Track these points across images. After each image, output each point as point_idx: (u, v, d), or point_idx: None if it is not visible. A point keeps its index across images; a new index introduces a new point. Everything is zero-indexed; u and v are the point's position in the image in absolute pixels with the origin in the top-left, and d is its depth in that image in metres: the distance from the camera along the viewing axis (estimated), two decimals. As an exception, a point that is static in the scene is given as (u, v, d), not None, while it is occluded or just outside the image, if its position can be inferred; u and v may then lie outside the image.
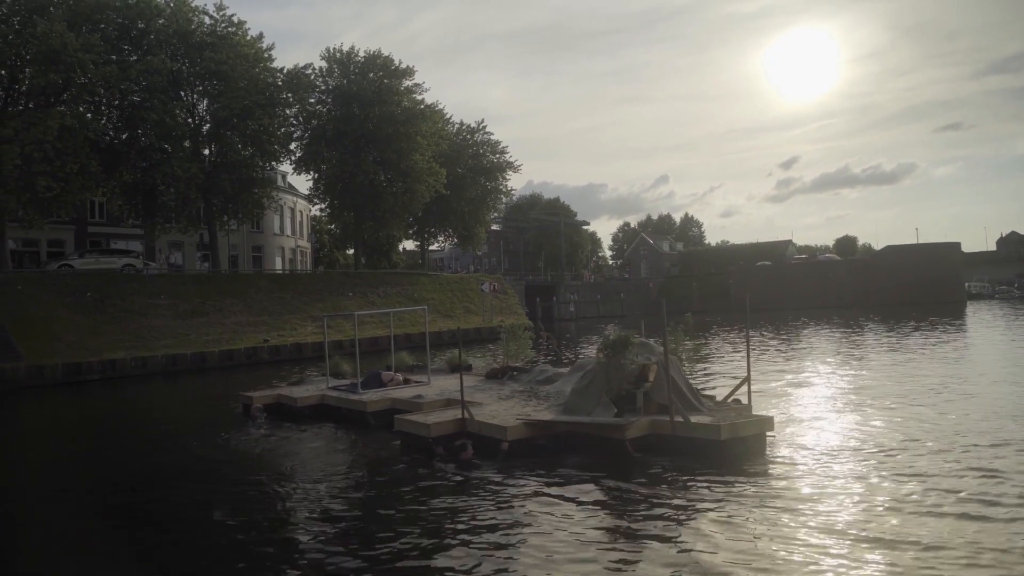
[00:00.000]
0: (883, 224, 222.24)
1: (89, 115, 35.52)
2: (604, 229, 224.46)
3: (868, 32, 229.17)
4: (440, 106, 53.85)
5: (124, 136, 37.48)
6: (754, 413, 11.26)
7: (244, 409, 16.71)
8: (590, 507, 8.55)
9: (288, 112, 45.17)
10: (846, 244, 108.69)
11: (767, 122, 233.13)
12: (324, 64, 48.20)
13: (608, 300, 79.86)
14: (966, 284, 75.99)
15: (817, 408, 14.63)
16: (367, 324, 38.69)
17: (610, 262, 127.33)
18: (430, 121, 50.33)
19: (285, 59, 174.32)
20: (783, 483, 9.22)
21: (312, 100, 47.44)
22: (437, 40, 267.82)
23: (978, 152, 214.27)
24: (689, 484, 9.23)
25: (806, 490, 8.89)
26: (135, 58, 36.33)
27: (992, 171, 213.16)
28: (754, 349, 28.34)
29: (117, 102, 36.41)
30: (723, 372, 21.64)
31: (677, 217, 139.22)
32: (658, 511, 8.22)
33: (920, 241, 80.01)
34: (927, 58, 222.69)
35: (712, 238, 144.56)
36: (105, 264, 37.78)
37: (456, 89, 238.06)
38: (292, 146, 47.10)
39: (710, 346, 32.08)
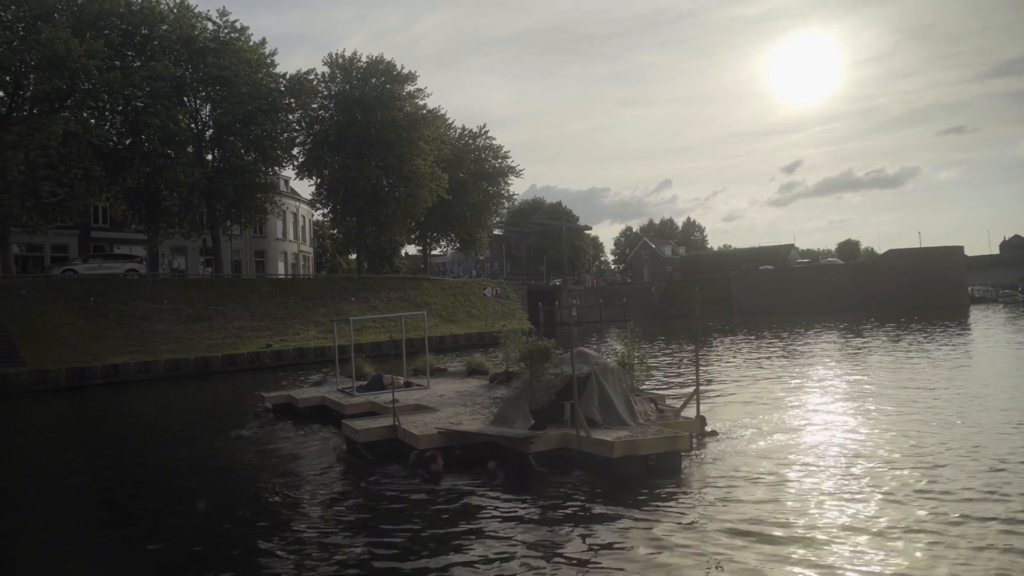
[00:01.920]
0: (886, 228, 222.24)
1: (93, 121, 35.67)
2: (606, 233, 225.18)
3: (872, 35, 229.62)
4: (442, 111, 54.10)
5: (128, 141, 37.62)
6: (675, 430, 10.64)
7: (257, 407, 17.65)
8: (447, 517, 8.61)
9: (291, 117, 45.32)
10: (849, 248, 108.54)
11: (770, 126, 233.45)
12: (327, 69, 48.45)
13: (610, 304, 79.90)
14: (969, 288, 75.93)
15: (773, 425, 13.19)
16: (369, 329, 38.81)
17: (612, 266, 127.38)
18: (432, 126, 50.47)
19: (288, 64, 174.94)
20: (649, 510, 8.45)
21: (315, 105, 47.60)
22: (440, 44, 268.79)
23: (981, 155, 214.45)
24: (556, 502, 8.88)
25: (667, 521, 8.00)
26: (138, 64, 36.49)
27: (996, 174, 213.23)
28: (744, 356, 28.45)
29: (121, 108, 36.56)
30: (711, 380, 21.64)
31: (679, 221, 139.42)
32: (511, 525, 8.17)
33: (923, 245, 79.96)
34: (930, 61, 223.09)
35: (714, 242, 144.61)
36: (109, 269, 37.89)
37: (458, 93, 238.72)
38: (295, 151, 47.29)
39: (690, 353, 32.08)
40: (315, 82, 46.78)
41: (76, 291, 33.28)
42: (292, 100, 44.26)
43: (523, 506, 8.91)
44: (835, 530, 7.49)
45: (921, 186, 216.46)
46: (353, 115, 47.01)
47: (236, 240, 51.75)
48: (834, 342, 33.21)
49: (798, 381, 19.71)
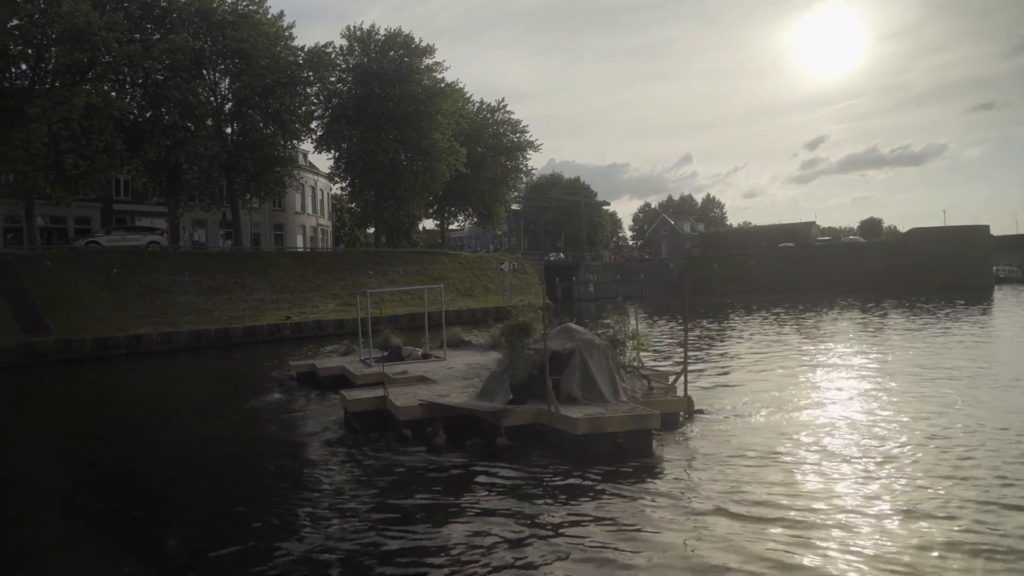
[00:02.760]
0: (910, 206, 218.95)
1: (114, 94, 35.95)
2: (625, 209, 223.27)
3: (898, 9, 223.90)
4: (460, 84, 53.82)
5: (148, 115, 37.88)
6: (649, 408, 10.43)
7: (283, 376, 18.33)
8: (404, 489, 8.76)
9: (309, 91, 45.33)
10: (871, 226, 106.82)
11: (794, 101, 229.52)
12: (345, 43, 48.26)
13: (628, 281, 79.58)
14: (994, 268, 74.60)
15: (770, 405, 12.79)
16: (387, 302, 39.10)
17: (630, 242, 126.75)
18: (450, 100, 50.23)
19: (306, 37, 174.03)
20: (598, 487, 8.34)
21: (333, 79, 47.55)
22: (458, 16, 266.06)
23: (1011, 132, 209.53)
24: (518, 477, 8.88)
25: (622, 500, 7.87)
26: (158, 37, 36.60)
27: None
28: (756, 334, 28.28)
29: (141, 80, 36.76)
30: (718, 358, 21.57)
31: (699, 198, 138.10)
32: (466, 497, 8.22)
33: (947, 224, 78.62)
34: (959, 35, 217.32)
35: (734, 219, 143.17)
36: (131, 241, 38.40)
37: (477, 66, 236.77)
38: (313, 125, 47.39)
39: (708, 330, 31.98)
40: (333, 55, 46.69)
41: (99, 263, 33.78)
42: (310, 73, 44.23)
43: (478, 480, 8.84)
44: (801, 512, 7.26)
45: (947, 164, 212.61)
46: (371, 88, 46.86)
47: (255, 213, 52.11)
48: (851, 321, 32.84)
49: (808, 361, 19.18)
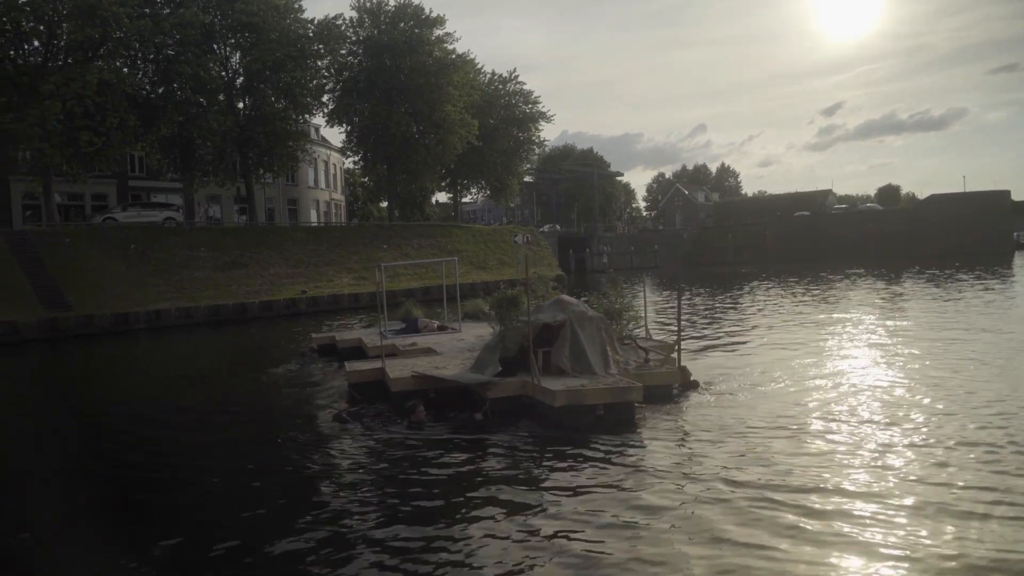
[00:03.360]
0: (929, 172, 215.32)
1: (126, 70, 35.94)
2: (639, 180, 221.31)
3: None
4: (472, 55, 53.30)
5: (160, 90, 37.89)
6: (632, 381, 10.22)
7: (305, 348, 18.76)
8: (386, 460, 8.86)
9: (320, 64, 45.09)
10: (889, 193, 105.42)
11: (811, 66, 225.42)
12: (355, 14, 47.82)
13: (642, 251, 79.35)
14: (1015, 234, 73.53)
15: (771, 378, 12.39)
16: (402, 276, 39.34)
17: (644, 213, 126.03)
18: (462, 71, 49.80)
19: (315, 8, 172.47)
20: (569, 459, 8.27)
21: (343, 51, 47.23)
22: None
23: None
24: (492, 451, 8.88)
25: (581, 471, 7.83)
26: (168, 11, 36.46)
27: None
28: (767, 304, 28.15)
29: (152, 56, 36.74)
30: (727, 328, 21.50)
31: (713, 167, 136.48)
32: (433, 473, 8.23)
33: (968, 190, 77.37)
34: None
35: (749, 188, 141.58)
36: (147, 217, 38.72)
37: (488, 37, 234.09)
38: (324, 98, 47.24)
39: (720, 299, 31.89)
40: (343, 27, 46.33)
41: (117, 239, 34.14)
42: (321, 46, 43.97)
43: (450, 455, 8.81)
44: (778, 491, 6.89)
45: (968, 128, 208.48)
46: (382, 61, 46.54)
47: (269, 188, 52.28)
48: (867, 289, 32.58)
49: (820, 331, 18.64)
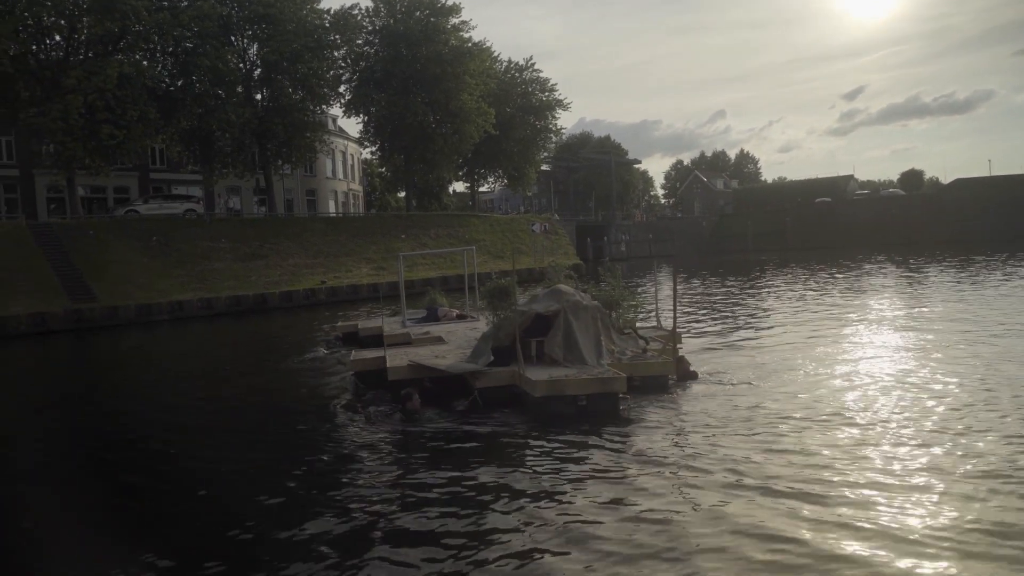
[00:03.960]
0: (953, 157, 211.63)
1: (145, 63, 36.27)
2: (657, 167, 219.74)
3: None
4: (488, 44, 53.05)
5: (179, 83, 38.22)
6: (617, 372, 10.07)
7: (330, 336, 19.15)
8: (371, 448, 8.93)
9: (336, 54, 45.17)
10: (912, 178, 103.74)
11: (832, 50, 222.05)
12: (371, 4, 47.80)
13: (660, 239, 78.95)
14: (1042, 219, 72.05)
15: (777, 371, 11.91)
16: (419, 265, 39.50)
17: (662, 201, 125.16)
18: (478, 60, 49.67)
19: (331, 0, 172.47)
20: (541, 450, 8.22)
21: (360, 41, 47.28)
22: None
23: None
24: (473, 440, 8.89)
25: (551, 464, 7.73)
26: (185, 3, 36.70)
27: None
28: (783, 293, 27.86)
29: (171, 49, 37.05)
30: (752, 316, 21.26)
31: (732, 154, 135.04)
32: (405, 460, 8.38)
33: (993, 174, 75.96)
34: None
35: (769, 175, 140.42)
36: (168, 209, 39.15)
37: (504, 25, 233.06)
38: (341, 89, 47.31)
39: (740, 288, 31.66)
40: (359, 17, 46.37)
41: (139, 231, 34.57)
42: (337, 36, 44.02)
43: (432, 443, 8.86)
44: (743, 490, 6.57)
45: (994, 111, 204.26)
46: (398, 50, 46.52)
47: (288, 179, 52.60)
48: (889, 276, 32.15)
49: (836, 322, 17.85)
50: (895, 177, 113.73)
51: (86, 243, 31.96)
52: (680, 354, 11.71)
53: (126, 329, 27.17)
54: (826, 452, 7.61)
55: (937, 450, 7.54)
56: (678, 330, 14.49)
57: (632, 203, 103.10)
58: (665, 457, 7.71)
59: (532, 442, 8.63)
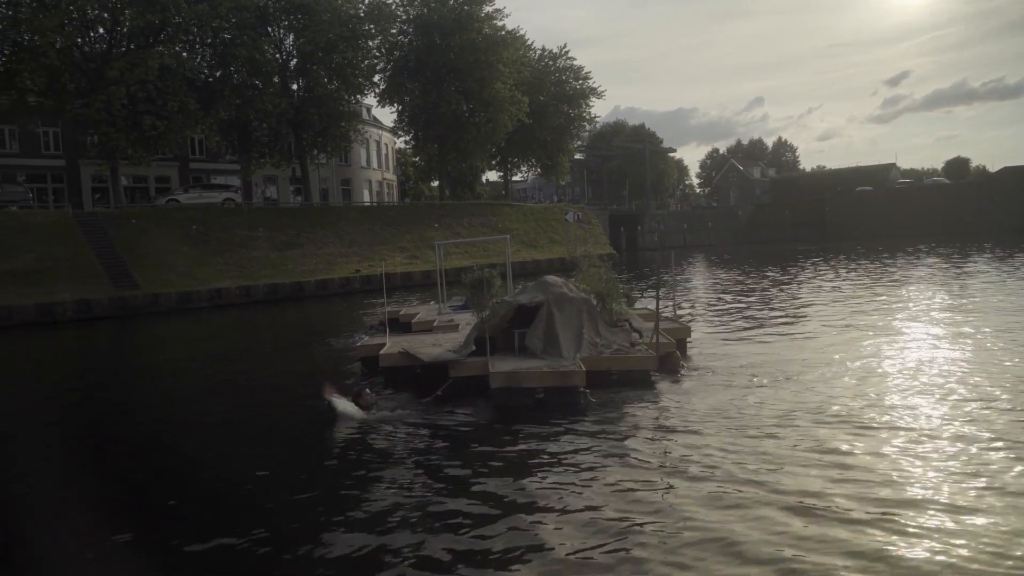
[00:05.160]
0: (1000, 144, 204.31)
1: (185, 54, 36.94)
2: (692, 156, 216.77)
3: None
4: (521, 32, 52.74)
5: (218, 74, 38.83)
6: (571, 367, 9.90)
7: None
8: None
9: (371, 44, 45.39)
10: (957, 166, 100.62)
11: (875, 34, 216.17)
12: (404, -7, 47.84)
13: (695, 229, 78.02)
14: (1096, 208, 69.35)
15: (766, 368, 11.32)
16: (453, 255, 39.64)
17: (697, 190, 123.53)
18: (511, 48, 49.47)
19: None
20: (484, 443, 8.25)
21: (394, 31, 47.41)
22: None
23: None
24: (429, 432, 8.94)
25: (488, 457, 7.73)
26: (224, -5, 37.20)
27: None
28: (813, 285, 27.20)
29: (210, 40, 37.60)
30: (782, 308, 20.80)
31: (770, 142, 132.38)
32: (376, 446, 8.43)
33: (1044, 161, 73.10)
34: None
35: (807, 163, 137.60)
36: (207, 198, 39.87)
37: (538, 12, 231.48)
38: (376, 78, 47.55)
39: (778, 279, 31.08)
40: (393, 6, 46.53)
41: (179, 219, 35.30)
42: (372, 26, 44.23)
43: (390, 435, 8.93)
44: (687, 496, 6.28)
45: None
46: (432, 39, 46.55)
47: (323, 169, 53.16)
48: (929, 269, 30.99)
49: (862, 319, 16.55)
50: (940, 165, 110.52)
51: (129, 231, 32.74)
52: (674, 347, 11.50)
53: (167, 316, 27.81)
54: (778, 453, 7.24)
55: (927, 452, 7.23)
56: (688, 323, 14.42)
57: (667, 192, 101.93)
58: (606, 454, 7.55)
59: (474, 437, 8.60)
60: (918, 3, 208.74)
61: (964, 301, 18.84)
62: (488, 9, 48.10)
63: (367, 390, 10.08)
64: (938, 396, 9.30)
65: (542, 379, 9.67)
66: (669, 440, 8.03)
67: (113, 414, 11.61)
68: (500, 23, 49.08)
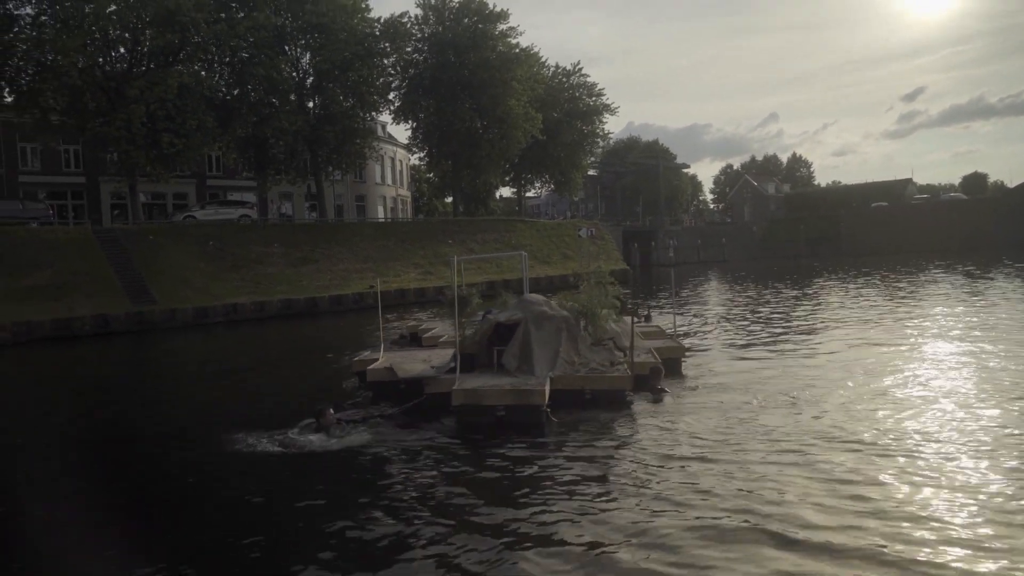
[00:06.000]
0: (1020, 159, 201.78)
1: (203, 73, 37.54)
2: (706, 172, 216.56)
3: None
4: (535, 49, 53.17)
5: (235, 92, 39.39)
6: (535, 385, 9.83)
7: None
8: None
9: (386, 62, 45.93)
10: (975, 182, 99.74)
11: (890, 50, 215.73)
12: (420, 12, 48.45)
13: (709, 245, 77.77)
14: (1117, 224, 68.38)
15: (755, 392, 10.81)
16: (467, 270, 39.65)
17: (711, 206, 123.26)
18: (525, 65, 49.86)
19: (381, 7, 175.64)
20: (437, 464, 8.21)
21: (409, 49, 47.96)
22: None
23: None
24: (391, 450, 8.86)
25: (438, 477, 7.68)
26: (242, 15, 37.83)
27: None
28: (823, 302, 26.97)
29: (228, 59, 38.23)
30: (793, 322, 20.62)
31: (784, 157, 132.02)
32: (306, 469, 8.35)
33: (1063, 177, 72.27)
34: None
35: (822, 179, 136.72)
36: (224, 215, 40.32)
37: (552, 30, 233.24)
38: (390, 96, 48.04)
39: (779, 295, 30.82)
40: (408, 25, 47.03)
41: (196, 235, 35.66)
42: (387, 44, 44.78)
43: (344, 452, 8.90)
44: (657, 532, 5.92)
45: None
46: (447, 57, 47.02)
47: (338, 185, 53.63)
48: (945, 285, 30.47)
49: (869, 337, 16.08)
50: (957, 181, 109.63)
51: (147, 247, 33.11)
52: (658, 365, 11.30)
53: (183, 331, 28.02)
54: (734, 476, 7.01)
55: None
56: (682, 341, 14.40)
57: (681, 208, 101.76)
58: (555, 476, 7.41)
59: (429, 456, 8.52)
60: (933, 20, 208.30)
61: (976, 320, 18.38)
62: (502, 27, 48.59)
63: (329, 410, 9.83)
64: (935, 416, 9.07)
65: (502, 397, 9.62)
66: (626, 461, 7.80)
67: (121, 422, 11.75)
68: (514, 41, 49.56)
